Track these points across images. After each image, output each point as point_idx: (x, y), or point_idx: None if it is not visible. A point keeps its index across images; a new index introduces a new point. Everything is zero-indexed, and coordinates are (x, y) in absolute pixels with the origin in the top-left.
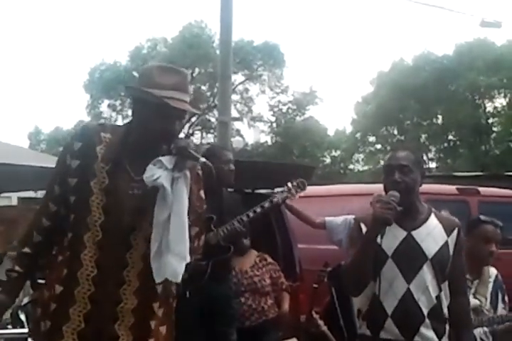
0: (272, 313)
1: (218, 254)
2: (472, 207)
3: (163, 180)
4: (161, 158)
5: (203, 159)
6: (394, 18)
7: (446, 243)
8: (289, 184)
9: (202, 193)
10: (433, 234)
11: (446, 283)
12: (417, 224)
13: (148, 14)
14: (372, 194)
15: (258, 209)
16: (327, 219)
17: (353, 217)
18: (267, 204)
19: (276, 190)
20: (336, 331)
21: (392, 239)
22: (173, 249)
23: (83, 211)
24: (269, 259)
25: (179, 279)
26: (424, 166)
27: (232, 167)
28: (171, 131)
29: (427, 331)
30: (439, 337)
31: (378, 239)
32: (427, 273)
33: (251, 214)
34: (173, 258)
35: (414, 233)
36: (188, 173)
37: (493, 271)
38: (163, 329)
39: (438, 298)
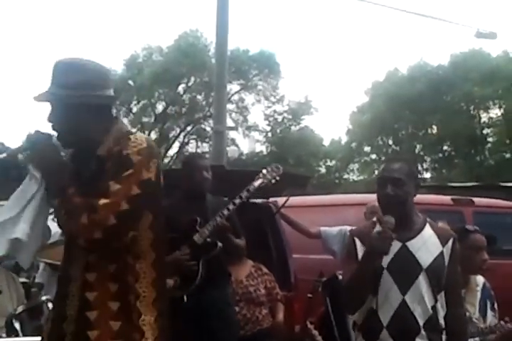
0: (267, 323)
1: (207, 253)
2: (467, 217)
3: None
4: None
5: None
6: (389, 29)
7: (442, 253)
8: (264, 170)
9: None
10: (428, 245)
11: (442, 293)
12: (411, 234)
13: (144, 23)
14: (366, 204)
15: (237, 201)
16: (322, 229)
17: (348, 228)
18: (244, 194)
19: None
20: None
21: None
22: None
23: None
24: (265, 269)
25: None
26: (419, 177)
27: (206, 174)
28: None
29: None
30: None
31: None
32: (422, 284)
33: (231, 207)
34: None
35: (408, 244)
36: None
37: (480, 279)
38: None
39: (434, 308)
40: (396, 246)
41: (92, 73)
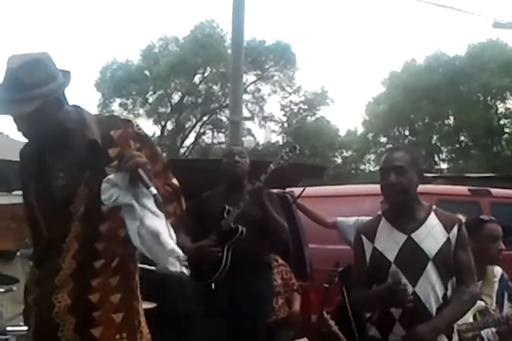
0: (283, 313)
1: (231, 239)
2: (484, 208)
3: (123, 199)
4: (111, 176)
5: (154, 190)
6: (406, 19)
7: (448, 240)
8: (282, 152)
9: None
10: (433, 233)
11: (454, 280)
12: (416, 225)
13: (160, 13)
14: None
15: (258, 183)
16: (338, 219)
17: (365, 219)
18: (263, 177)
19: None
20: (346, 331)
21: (393, 244)
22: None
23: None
24: (280, 260)
25: None
26: (422, 165)
27: (237, 158)
28: None
29: None
30: (448, 337)
31: (380, 247)
32: (431, 274)
33: (245, 199)
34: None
35: (413, 235)
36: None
37: (498, 270)
38: (114, 298)
39: (445, 296)
40: (401, 238)
41: (43, 67)
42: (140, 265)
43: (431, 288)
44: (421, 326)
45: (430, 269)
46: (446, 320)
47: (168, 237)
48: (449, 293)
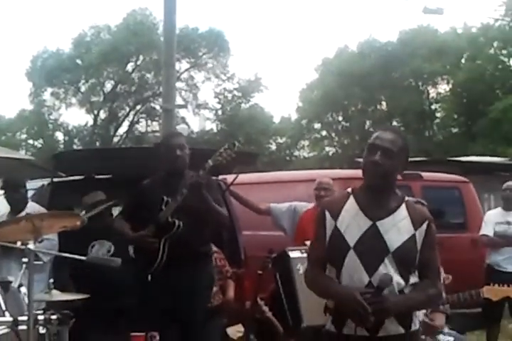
0: (217, 300)
1: (167, 232)
2: (415, 191)
3: None
4: None
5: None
6: (338, 5)
7: (413, 236)
8: (221, 149)
9: None
10: (399, 226)
11: (415, 278)
12: (384, 213)
13: (92, 1)
14: (315, 180)
15: (196, 178)
16: (272, 205)
17: (298, 204)
18: (201, 172)
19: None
20: (281, 317)
21: (356, 228)
22: None
23: None
24: (214, 248)
25: None
26: (408, 157)
27: (179, 152)
28: None
29: (391, 324)
30: (406, 328)
31: (341, 227)
32: (388, 267)
33: (188, 185)
34: None
35: (379, 223)
36: None
37: None
38: None
39: (402, 292)
40: (366, 224)
41: None
42: (70, 255)
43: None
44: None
45: (389, 262)
46: (407, 302)
47: None
48: (407, 289)
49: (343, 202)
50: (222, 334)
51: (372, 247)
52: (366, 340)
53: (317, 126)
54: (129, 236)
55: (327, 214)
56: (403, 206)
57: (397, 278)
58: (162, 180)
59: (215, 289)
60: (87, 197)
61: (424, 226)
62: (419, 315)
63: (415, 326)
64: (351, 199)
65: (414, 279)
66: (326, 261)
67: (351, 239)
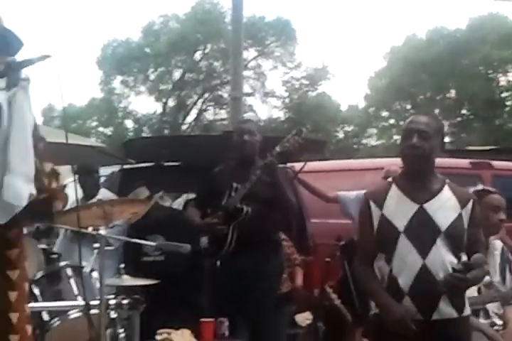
0: (286, 287)
1: (235, 219)
2: (485, 180)
3: None
4: None
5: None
6: None
7: (460, 215)
8: (288, 135)
9: None
10: (446, 207)
11: (465, 257)
12: (429, 195)
13: None
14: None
15: (270, 158)
16: (340, 193)
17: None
18: (269, 158)
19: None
20: (349, 305)
21: (403, 213)
22: (14, 169)
23: None
24: (282, 235)
25: (23, 203)
26: (445, 137)
27: (246, 137)
28: None
29: (446, 307)
30: (459, 312)
31: (388, 214)
32: (441, 247)
33: (258, 172)
34: (16, 179)
35: (426, 206)
36: (26, 83)
37: (498, 244)
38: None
39: (455, 271)
40: (412, 208)
41: None
42: (141, 241)
43: (441, 261)
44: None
45: (441, 242)
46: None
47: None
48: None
49: (386, 191)
50: (290, 321)
51: (422, 229)
52: (421, 324)
53: (385, 114)
54: (197, 223)
55: (372, 203)
56: (446, 187)
57: (449, 258)
58: (232, 167)
59: (284, 276)
60: (132, 194)
61: (470, 205)
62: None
63: (467, 311)
64: (394, 187)
65: (464, 257)
66: (373, 253)
67: (400, 224)
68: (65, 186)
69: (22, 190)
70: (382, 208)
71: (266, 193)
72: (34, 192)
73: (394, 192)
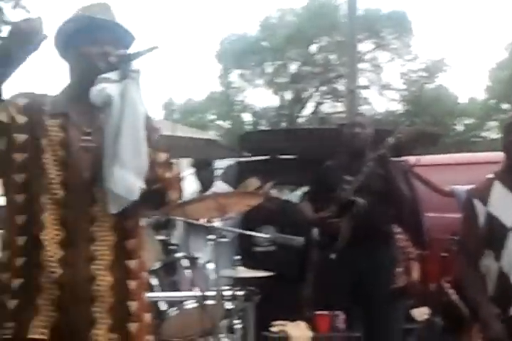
0: (402, 282)
1: (349, 211)
2: None
3: (110, 91)
4: (103, 75)
5: (147, 51)
6: None
7: None
8: (400, 126)
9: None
10: None
11: None
12: None
13: None
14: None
15: (382, 150)
16: (455, 187)
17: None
18: (381, 150)
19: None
20: (466, 300)
21: (509, 209)
22: (126, 163)
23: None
24: (397, 229)
25: (135, 197)
26: None
27: (357, 129)
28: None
29: None
30: None
31: (495, 211)
32: None
33: (370, 164)
34: (129, 174)
35: None
36: (136, 75)
37: None
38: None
39: None
40: None
41: None
42: (255, 233)
43: None
44: None
45: None
46: None
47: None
48: None
49: (489, 188)
50: (407, 315)
51: None
52: None
53: (506, 106)
54: (310, 218)
55: (476, 201)
56: None
57: None
58: (344, 160)
59: (399, 270)
60: (242, 184)
61: None
62: None
63: None
64: (497, 183)
65: None
66: (480, 251)
67: (508, 220)
68: (181, 177)
69: (134, 184)
70: (487, 205)
71: (379, 186)
72: (144, 185)
73: (497, 188)
